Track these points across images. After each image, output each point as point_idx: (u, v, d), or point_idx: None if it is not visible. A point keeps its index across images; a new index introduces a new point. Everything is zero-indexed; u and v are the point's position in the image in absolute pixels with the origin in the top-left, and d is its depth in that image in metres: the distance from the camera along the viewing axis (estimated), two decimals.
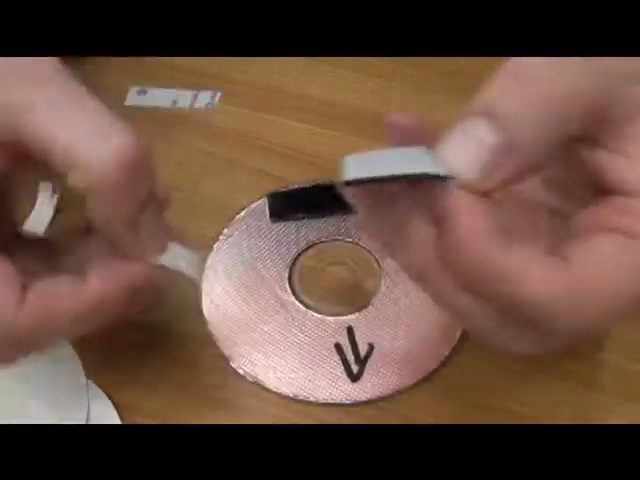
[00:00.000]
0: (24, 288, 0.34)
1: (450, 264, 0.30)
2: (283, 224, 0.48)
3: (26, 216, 0.49)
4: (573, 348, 0.41)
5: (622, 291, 0.29)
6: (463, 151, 0.29)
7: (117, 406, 0.42)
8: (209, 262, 0.48)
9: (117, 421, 0.41)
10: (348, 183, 0.30)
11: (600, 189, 0.31)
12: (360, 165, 0.30)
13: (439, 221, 0.29)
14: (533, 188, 0.34)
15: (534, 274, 0.29)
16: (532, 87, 0.28)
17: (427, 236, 0.30)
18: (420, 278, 0.32)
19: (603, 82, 0.29)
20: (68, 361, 0.43)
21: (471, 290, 0.30)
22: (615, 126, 0.30)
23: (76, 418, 0.41)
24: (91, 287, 0.35)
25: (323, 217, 0.48)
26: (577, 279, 0.29)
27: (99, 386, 0.42)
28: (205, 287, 0.46)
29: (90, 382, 0.42)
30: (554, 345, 0.32)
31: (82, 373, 0.42)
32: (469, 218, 0.28)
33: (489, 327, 0.31)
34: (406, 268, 0.33)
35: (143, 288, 0.36)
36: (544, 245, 0.30)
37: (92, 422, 0.41)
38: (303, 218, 0.49)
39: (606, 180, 0.31)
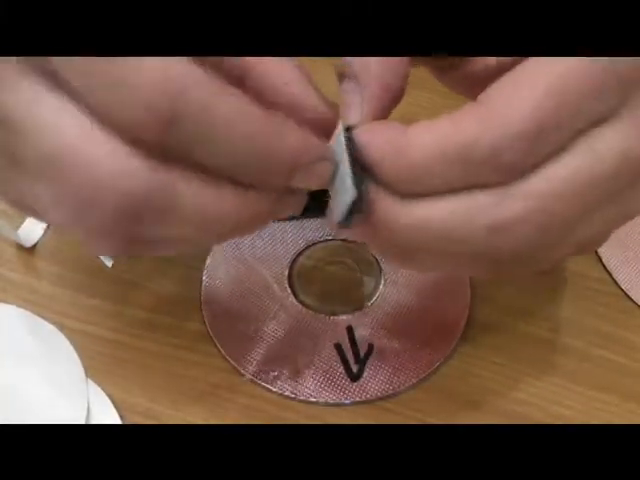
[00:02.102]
0: None
1: (384, 182, 0.31)
2: (282, 224, 0.48)
3: (25, 217, 0.49)
4: None
5: (536, 98, 0.29)
6: (342, 109, 0.33)
7: (117, 406, 0.42)
8: (209, 261, 0.48)
9: (117, 421, 0.41)
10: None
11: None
12: None
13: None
14: None
15: (429, 127, 0.30)
16: None
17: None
18: (386, 233, 0.32)
19: None
20: (68, 361, 0.43)
21: (408, 188, 0.31)
22: None
23: (76, 418, 0.41)
24: None
25: (323, 216, 0.48)
26: (487, 107, 0.29)
27: (99, 386, 0.42)
28: (205, 286, 0.47)
29: (90, 382, 0.42)
30: (531, 194, 0.30)
31: (82, 373, 0.42)
32: (364, 134, 0.31)
33: (458, 219, 0.31)
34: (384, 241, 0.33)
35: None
36: None
37: (92, 422, 0.41)
38: (303, 217, 0.49)
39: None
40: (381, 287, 0.46)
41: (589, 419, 0.41)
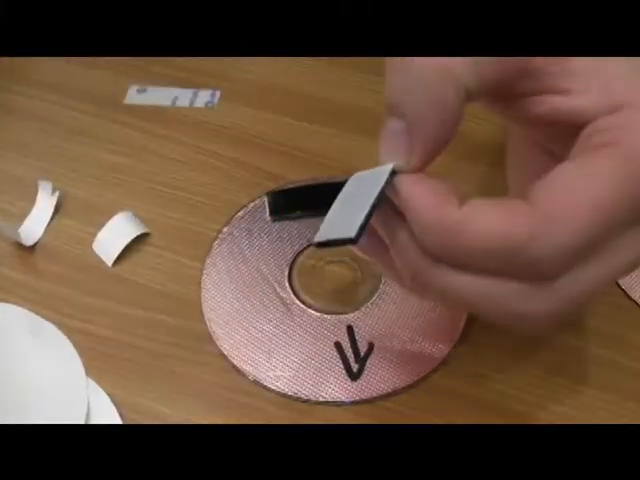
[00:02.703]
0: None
1: (421, 241, 0.32)
2: (283, 223, 0.48)
3: (26, 216, 0.49)
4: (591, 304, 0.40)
5: (590, 203, 0.30)
6: (385, 145, 0.32)
7: (117, 405, 0.42)
8: (209, 260, 0.48)
9: (117, 420, 0.41)
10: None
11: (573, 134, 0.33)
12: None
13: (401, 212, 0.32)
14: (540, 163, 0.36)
15: (482, 218, 0.30)
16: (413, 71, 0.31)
17: (406, 237, 0.32)
18: (414, 279, 0.33)
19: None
20: (68, 361, 0.43)
21: (448, 260, 0.31)
22: (545, 72, 0.32)
23: (76, 418, 0.41)
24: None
25: (323, 216, 0.48)
26: (540, 210, 0.30)
27: (99, 386, 0.42)
28: (205, 285, 0.47)
29: (90, 381, 0.42)
30: (561, 295, 0.32)
31: (82, 373, 0.42)
32: (414, 186, 0.31)
33: (489, 298, 0.32)
34: (401, 277, 0.34)
35: None
36: None
37: (92, 421, 0.41)
38: (303, 217, 0.49)
39: (568, 121, 0.32)
40: (381, 286, 0.46)
41: (589, 419, 0.41)
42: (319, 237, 0.33)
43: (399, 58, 0.31)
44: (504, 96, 0.33)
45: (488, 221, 0.30)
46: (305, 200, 0.49)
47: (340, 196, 0.34)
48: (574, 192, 0.30)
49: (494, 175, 0.50)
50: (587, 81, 0.32)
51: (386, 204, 0.32)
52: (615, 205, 0.30)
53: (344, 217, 0.32)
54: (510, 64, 0.32)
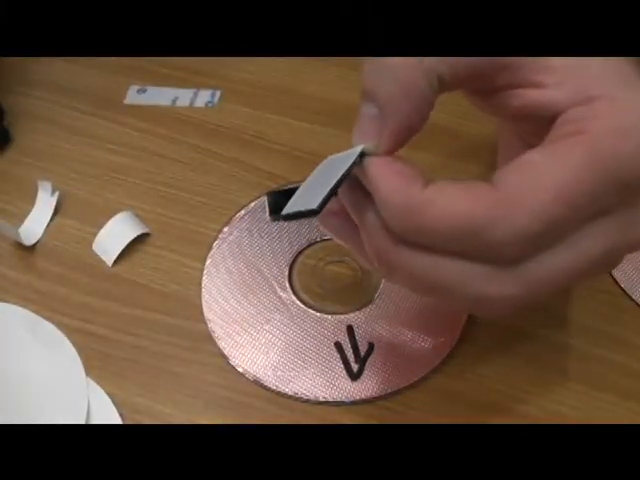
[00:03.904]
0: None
1: (387, 221, 0.32)
2: (282, 223, 0.48)
3: (26, 216, 0.49)
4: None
5: (553, 189, 0.30)
6: (358, 129, 0.33)
7: (117, 406, 0.42)
8: (209, 260, 0.48)
9: (117, 421, 0.41)
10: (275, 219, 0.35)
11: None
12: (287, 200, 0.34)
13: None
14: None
15: (445, 199, 0.31)
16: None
17: (374, 218, 0.33)
18: (380, 259, 0.33)
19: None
20: (68, 361, 0.43)
21: (412, 240, 0.32)
22: (522, 66, 0.32)
23: (76, 417, 0.41)
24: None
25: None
26: (502, 193, 0.31)
27: (99, 386, 0.42)
28: (205, 285, 0.47)
29: (90, 381, 0.42)
30: (525, 278, 0.32)
31: (82, 373, 0.42)
32: (381, 168, 0.32)
33: (451, 279, 0.32)
34: (373, 259, 0.34)
35: None
36: None
37: (92, 422, 0.41)
38: (302, 217, 0.49)
39: (542, 113, 0.33)
40: (381, 286, 0.46)
41: (589, 418, 0.41)
42: (284, 211, 0.34)
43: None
44: (481, 89, 0.34)
45: (451, 202, 0.31)
46: None
47: (310, 177, 0.35)
48: (537, 178, 0.31)
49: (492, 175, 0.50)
50: (562, 75, 0.32)
51: (356, 186, 0.33)
52: (579, 193, 0.30)
53: (310, 193, 0.33)
54: (496, 59, 0.32)
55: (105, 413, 0.41)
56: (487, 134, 0.51)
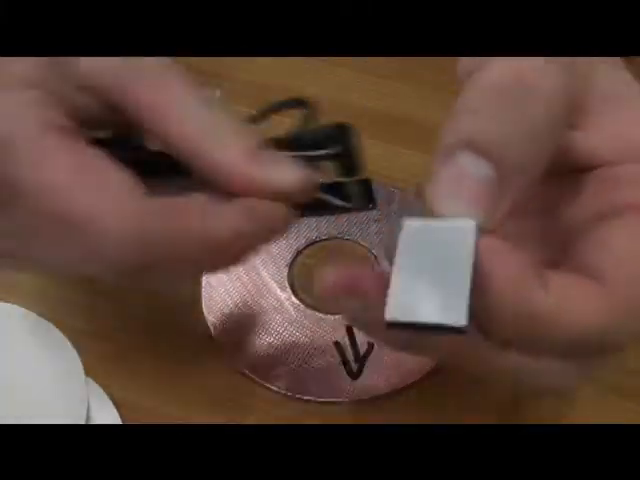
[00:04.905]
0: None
1: (490, 324, 0.26)
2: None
3: None
4: None
5: None
6: (461, 193, 0.26)
7: (117, 406, 0.42)
8: None
9: (117, 420, 0.41)
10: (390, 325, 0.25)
11: (574, 170, 0.30)
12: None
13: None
14: None
15: (578, 309, 0.27)
16: (508, 103, 0.27)
17: None
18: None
19: (571, 79, 0.28)
20: (68, 361, 0.43)
21: (518, 344, 0.27)
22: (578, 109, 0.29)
23: (76, 417, 0.41)
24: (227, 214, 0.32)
25: (323, 216, 0.48)
26: (618, 297, 0.27)
27: (99, 386, 0.42)
28: (205, 285, 0.47)
29: (90, 381, 0.42)
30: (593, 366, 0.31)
31: (82, 373, 0.42)
32: (498, 259, 0.26)
33: (535, 374, 0.29)
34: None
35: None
36: (545, 252, 0.30)
37: (92, 422, 0.41)
38: (302, 217, 0.49)
39: (575, 158, 0.29)
40: None
41: (589, 419, 0.41)
42: (400, 314, 0.25)
43: (508, 85, 0.27)
44: None
45: (575, 315, 0.27)
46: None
47: (404, 254, 0.26)
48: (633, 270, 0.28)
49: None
50: (600, 117, 0.29)
51: None
52: None
53: (431, 290, 0.25)
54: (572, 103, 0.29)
55: (105, 413, 0.41)
56: None
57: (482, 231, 0.26)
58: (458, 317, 0.24)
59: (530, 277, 0.26)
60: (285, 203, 0.33)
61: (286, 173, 0.32)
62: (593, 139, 0.29)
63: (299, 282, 0.47)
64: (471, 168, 0.26)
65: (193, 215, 0.32)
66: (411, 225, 0.26)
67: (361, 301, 0.26)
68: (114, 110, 0.33)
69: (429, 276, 0.25)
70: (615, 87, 0.29)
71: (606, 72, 0.30)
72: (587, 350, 0.28)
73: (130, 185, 0.32)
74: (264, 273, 0.47)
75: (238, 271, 0.47)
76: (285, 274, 0.47)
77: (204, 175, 0.32)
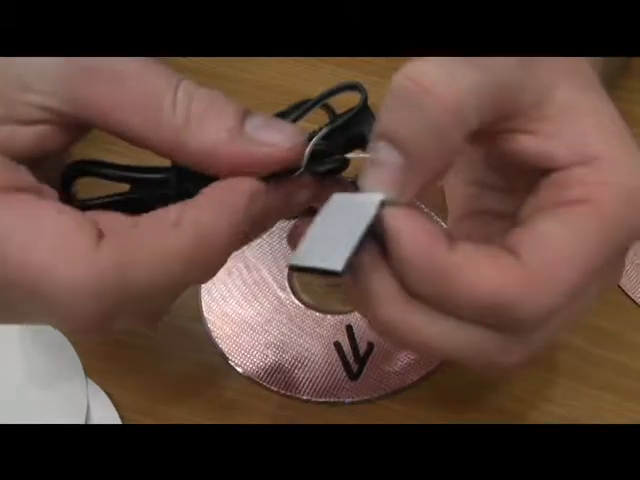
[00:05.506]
0: (100, 234, 0.30)
1: (406, 279, 0.31)
2: (282, 222, 0.48)
3: None
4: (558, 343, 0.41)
5: (575, 265, 0.30)
6: (375, 176, 0.31)
7: (117, 406, 0.42)
8: None
9: (117, 421, 0.41)
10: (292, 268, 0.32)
11: (534, 176, 0.33)
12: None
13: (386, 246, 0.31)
14: (478, 198, 0.37)
15: (474, 270, 0.30)
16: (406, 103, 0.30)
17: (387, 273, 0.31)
18: (386, 314, 0.32)
19: (492, 79, 0.31)
20: (68, 361, 0.43)
21: (433, 302, 0.31)
22: (522, 114, 0.32)
23: (76, 418, 0.41)
24: (187, 215, 0.31)
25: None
26: (529, 270, 0.30)
27: (99, 386, 0.42)
28: (205, 286, 0.47)
29: (90, 382, 0.42)
30: (532, 346, 0.33)
31: (82, 373, 0.42)
32: (405, 223, 0.30)
33: (466, 346, 0.32)
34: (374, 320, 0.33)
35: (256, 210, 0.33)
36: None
37: (92, 422, 0.41)
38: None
39: (534, 163, 0.32)
40: None
41: (589, 419, 0.41)
42: (298, 260, 0.31)
43: (409, 88, 0.30)
44: (480, 131, 0.32)
45: (479, 275, 0.30)
46: None
47: (320, 218, 0.32)
48: (560, 254, 0.30)
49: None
50: (559, 125, 0.32)
51: (368, 241, 0.31)
52: (599, 264, 0.31)
53: (327, 244, 0.31)
54: (505, 107, 0.31)
55: (105, 413, 0.41)
56: None
57: (393, 204, 0.30)
58: (337, 264, 0.29)
59: (435, 237, 0.30)
60: (283, 167, 0.33)
61: (274, 134, 0.33)
62: (548, 144, 0.32)
63: (299, 282, 0.47)
64: (385, 155, 0.30)
65: (144, 253, 0.31)
66: (336, 196, 0.32)
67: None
68: (78, 126, 0.33)
69: (330, 233, 0.31)
70: (575, 96, 0.32)
71: (569, 80, 0.32)
72: (501, 318, 0.31)
73: (84, 232, 0.30)
74: (264, 273, 0.47)
75: (239, 270, 0.47)
76: (286, 274, 0.47)
77: (193, 166, 0.32)
